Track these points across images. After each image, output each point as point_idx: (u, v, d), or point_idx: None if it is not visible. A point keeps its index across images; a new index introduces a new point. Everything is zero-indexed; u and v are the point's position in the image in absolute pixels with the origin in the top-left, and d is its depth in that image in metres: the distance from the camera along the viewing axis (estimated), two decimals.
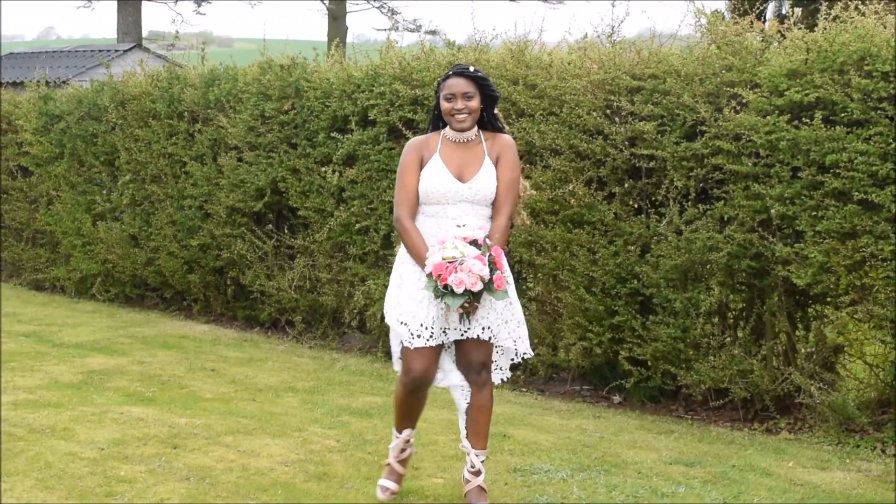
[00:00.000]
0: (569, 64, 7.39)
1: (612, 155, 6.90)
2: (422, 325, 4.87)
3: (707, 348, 6.68)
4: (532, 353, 5.22)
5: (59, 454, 5.71)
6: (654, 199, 6.91)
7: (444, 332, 4.92)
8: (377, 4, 28.31)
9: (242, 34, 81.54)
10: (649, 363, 6.86)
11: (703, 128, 6.56)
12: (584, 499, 5.25)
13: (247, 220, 9.20)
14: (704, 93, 6.60)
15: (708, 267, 6.65)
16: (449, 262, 4.61)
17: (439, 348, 5.00)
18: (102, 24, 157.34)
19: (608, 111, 6.99)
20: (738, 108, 6.46)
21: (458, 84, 4.91)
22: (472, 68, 4.98)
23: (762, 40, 6.75)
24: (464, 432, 5.06)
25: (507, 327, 4.96)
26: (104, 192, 10.77)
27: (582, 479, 5.50)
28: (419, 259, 4.84)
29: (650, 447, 6.13)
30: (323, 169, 8.36)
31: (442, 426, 5.64)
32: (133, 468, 5.52)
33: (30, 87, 11.83)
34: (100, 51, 18.76)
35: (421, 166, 4.98)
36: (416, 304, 4.86)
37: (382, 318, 5.32)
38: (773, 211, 6.28)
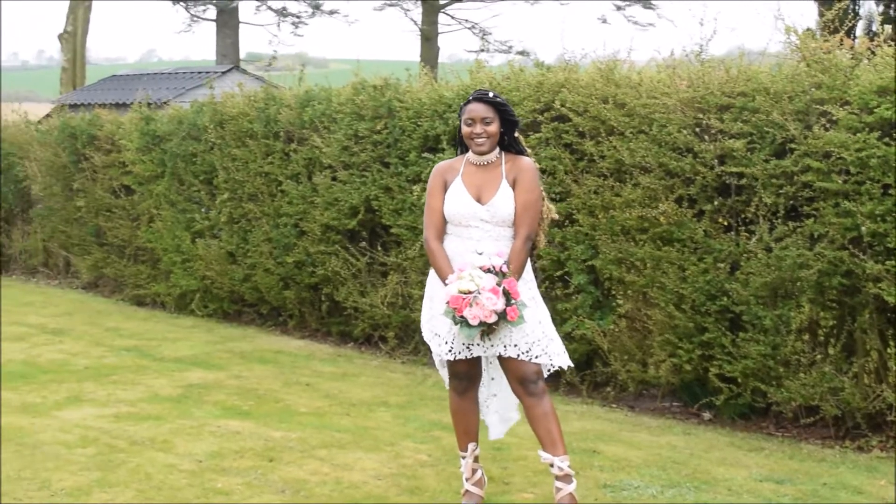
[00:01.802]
0: (658, 82, 7.42)
1: (702, 173, 6.91)
2: (445, 341, 5.15)
3: (797, 366, 6.63)
4: (571, 364, 5.34)
5: (159, 466, 5.93)
6: (743, 216, 6.89)
7: (468, 347, 5.11)
8: (468, 25, 28.50)
9: (337, 55, 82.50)
10: (739, 380, 6.84)
11: (793, 145, 6.54)
12: None
13: (341, 238, 9.36)
14: (794, 110, 6.57)
15: (798, 284, 6.60)
16: (465, 295, 4.78)
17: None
18: (202, 47, 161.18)
19: (697, 129, 6.99)
20: (827, 125, 6.43)
21: (478, 109, 5.12)
22: (491, 93, 5.20)
23: (852, 57, 6.71)
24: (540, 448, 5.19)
25: (538, 345, 5.09)
26: (203, 210, 11.04)
27: (672, 496, 5.54)
28: (443, 279, 5.08)
29: (740, 464, 6.12)
30: (414, 187, 8.49)
31: (532, 442, 5.68)
32: (230, 480, 5.70)
33: (133, 108, 12.18)
34: (199, 72, 19.16)
35: (445, 188, 5.21)
36: (443, 318, 5.05)
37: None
38: (863, 228, 6.23)
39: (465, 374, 5.31)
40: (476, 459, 5.40)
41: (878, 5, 16.50)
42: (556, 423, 5.12)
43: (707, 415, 7.25)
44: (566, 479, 5.05)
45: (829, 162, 6.37)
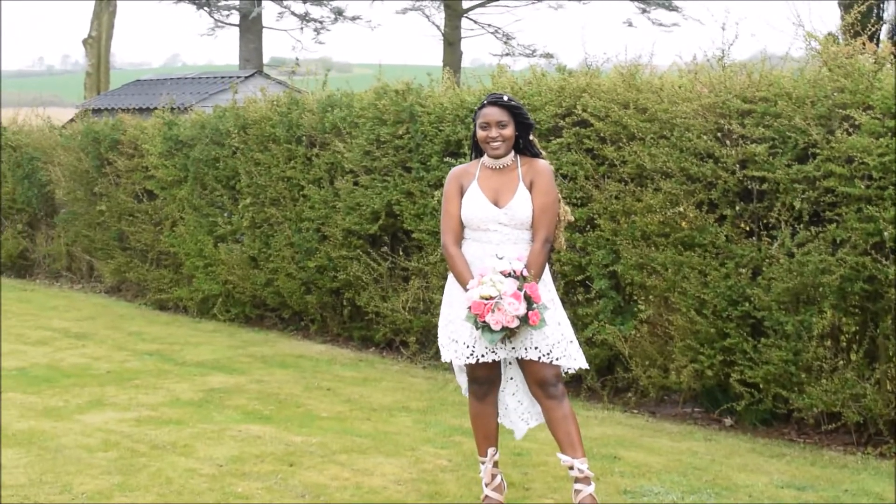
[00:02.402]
0: (679, 87, 7.41)
1: (723, 178, 6.89)
2: (465, 344, 5.15)
3: (819, 371, 6.61)
4: (587, 366, 5.38)
5: (179, 470, 5.95)
6: (765, 221, 6.87)
7: (492, 351, 5.10)
8: (492, 30, 28.48)
9: (361, 60, 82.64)
10: (761, 386, 6.82)
11: (815, 150, 6.51)
12: None
13: (362, 243, 9.38)
14: (816, 115, 6.54)
15: (820, 290, 6.58)
16: (487, 300, 4.79)
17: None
18: (225, 52, 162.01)
19: (719, 134, 6.97)
20: (850, 130, 6.40)
21: (493, 113, 5.13)
22: (506, 97, 5.22)
23: (875, 62, 6.68)
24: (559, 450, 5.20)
25: (559, 347, 5.11)
26: (225, 214, 11.08)
27: (692, 502, 5.53)
28: (463, 283, 5.08)
29: (761, 470, 6.09)
30: (436, 192, 8.49)
31: (552, 447, 5.68)
32: (250, 485, 5.71)
33: (155, 114, 12.23)
34: (222, 77, 19.21)
35: (462, 193, 5.20)
36: (463, 323, 5.06)
37: None
38: (886, 234, 6.20)
39: (486, 378, 5.33)
40: (496, 465, 5.40)
41: None
42: (576, 426, 5.12)
43: (728, 420, 7.23)
44: (585, 480, 5.05)
45: (852, 167, 6.34)
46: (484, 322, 4.86)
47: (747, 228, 7.04)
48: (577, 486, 5.06)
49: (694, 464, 6.20)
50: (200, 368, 8.75)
